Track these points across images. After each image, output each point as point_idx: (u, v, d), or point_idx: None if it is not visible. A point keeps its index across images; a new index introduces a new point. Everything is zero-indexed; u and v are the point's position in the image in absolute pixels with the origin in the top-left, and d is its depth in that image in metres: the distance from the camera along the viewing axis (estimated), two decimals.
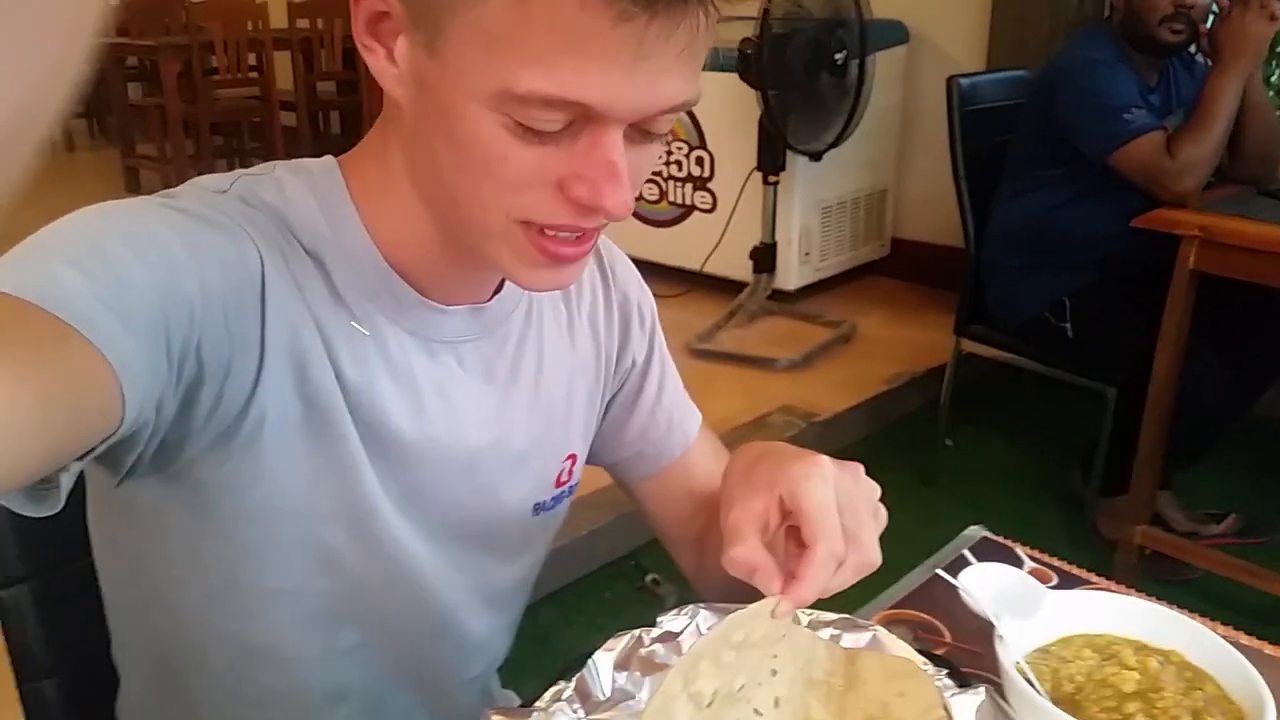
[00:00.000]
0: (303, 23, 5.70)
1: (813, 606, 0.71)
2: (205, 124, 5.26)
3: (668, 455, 0.92)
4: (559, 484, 0.85)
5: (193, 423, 0.62)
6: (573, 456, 0.86)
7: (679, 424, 0.92)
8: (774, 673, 0.64)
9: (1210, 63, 2.18)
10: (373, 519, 0.73)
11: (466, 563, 0.81)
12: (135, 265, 0.57)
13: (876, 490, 0.66)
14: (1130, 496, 2.21)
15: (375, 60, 0.63)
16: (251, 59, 5.37)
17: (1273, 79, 2.99)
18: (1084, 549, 2.40)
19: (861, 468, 0.65)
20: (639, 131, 0.62)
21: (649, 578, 2.23)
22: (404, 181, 0.68)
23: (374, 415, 0.71)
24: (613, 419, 0.91)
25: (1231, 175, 2.28)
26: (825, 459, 0.63)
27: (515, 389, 0.80)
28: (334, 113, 6.14)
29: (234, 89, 5.46)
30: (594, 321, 0.86)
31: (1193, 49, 2.33)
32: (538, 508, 0.84)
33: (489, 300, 0.77)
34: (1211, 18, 2.22)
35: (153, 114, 5.31)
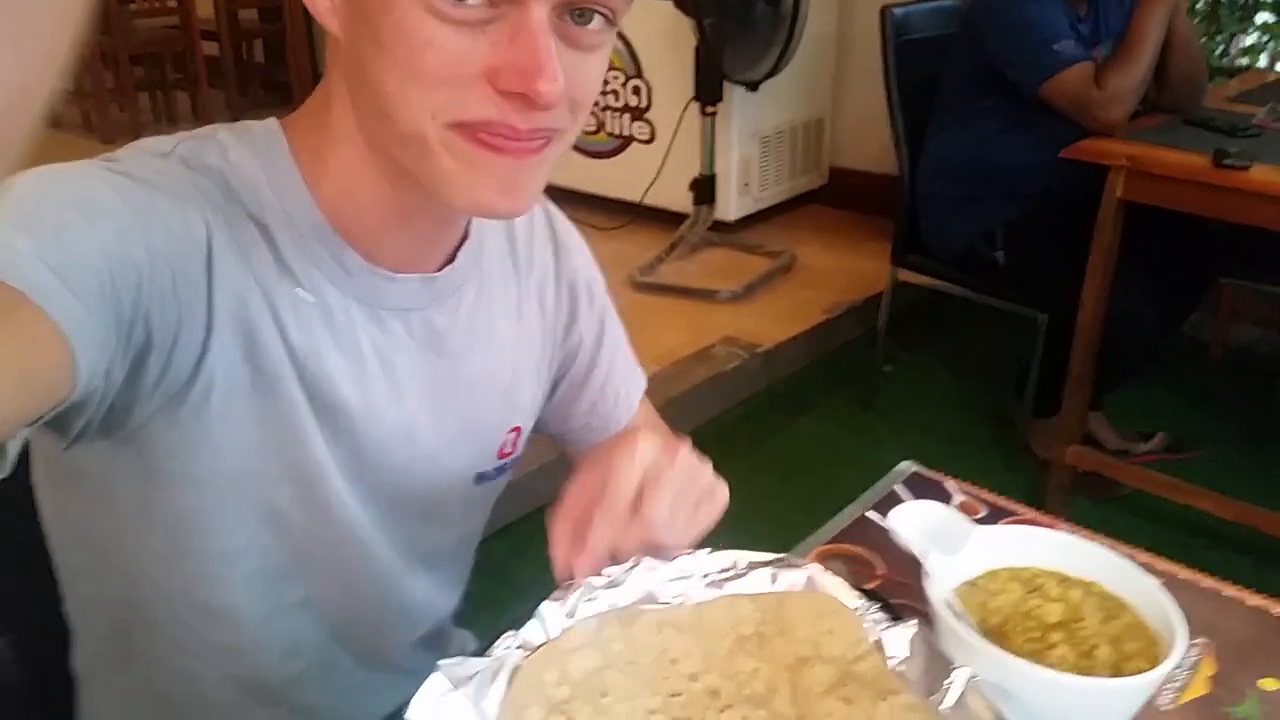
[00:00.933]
0: None
1: (753, 547, 0.74)
2: (124, 56, 5.07)
3: (614, 426, 0.94)
4: (502, 455, 0.86)
5: (141, 389, 0.62)
6: (517, 429, 0.87)
7: (624, 396, 0.94)
8: (674, 661, 0.67)
9: None
10: (320, 483, 0.73)
11: (407, 528, 0.81)
12: (84, 231, 0.56)
13: (700, 469, 0.68)
14: (1061, 418, 2.29)
15: None
16: None
17: (1197, 8, 3.03)
18: (1017, 469, 2.48)
19: (686, 448, 0.67)
20: (569, 27, 0.61)
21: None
22: (349, 130, 0.67)
23: (320, 382, 0.71)
24: (563, 395, 0.92)
25: (1158, 105, 2.31)
26: (648, 444, 0.64)
27: (462, 361, 0.80)
28: (258, 41, 5.94)
29: (152, 18, 5.26)
30: (542, 296, 0.87)
31: None
32: (480, 477, 0.85)
33: (440, 270, 0.76)
34: None
35: None
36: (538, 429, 0.93)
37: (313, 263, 0.69)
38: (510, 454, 0.87)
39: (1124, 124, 2.13)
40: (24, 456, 0.74)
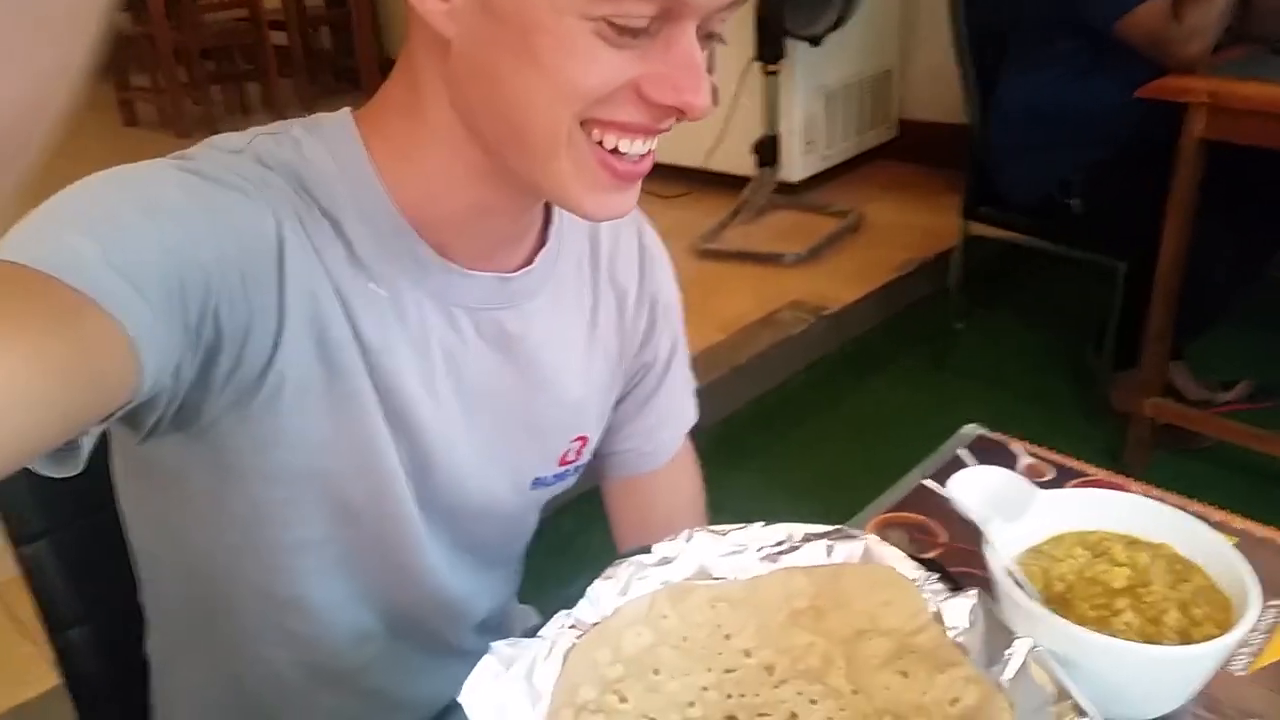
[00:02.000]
0: None
1: (824, 512, 0.73)
2: (195, 50, 5.17)
3: (658, 458, 0.94)
4: (564, 463, 0.86)
5: (212, 385, 0.63)
6: (583, 439, 0.86)
7: (674, 431, 0.95)
8: (727, 637, 0.66)
9: None
10: (387, 479, 0.74)
11: (460, 525, 0.81)
12: (150, 232, 0.57)
13: None
14: (1142, 369, 2.21)
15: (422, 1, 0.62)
16: None
17: None
18: (1098, 425, 2.41)
19: None
20: (701, 35, 0.63)
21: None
22: (446, 130, 0.67)
23: (391, 378, 0.71)
24: (623, 412, 0.92)
25: (1243, 34, 2.20)
26: None
27: (531, 365, 0.79)
28: (324, 28, 6.00)
29: (221, 12, 5.35)
30: (623, 306, 0.86)
31: None
32: (537, 482, 0.85)
33: (515, 272, 0.76)
34: None
35: (142, 43, 5.22)
36: None
37: (386, 257, 0.69)
38: (573, 462, 0.87)
39: (1206, 59, 2.04)
40: (103, 451, 0.76)
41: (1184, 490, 0.83)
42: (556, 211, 0.80)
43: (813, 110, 3.52)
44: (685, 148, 3.64)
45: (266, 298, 0.64)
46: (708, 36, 0.64)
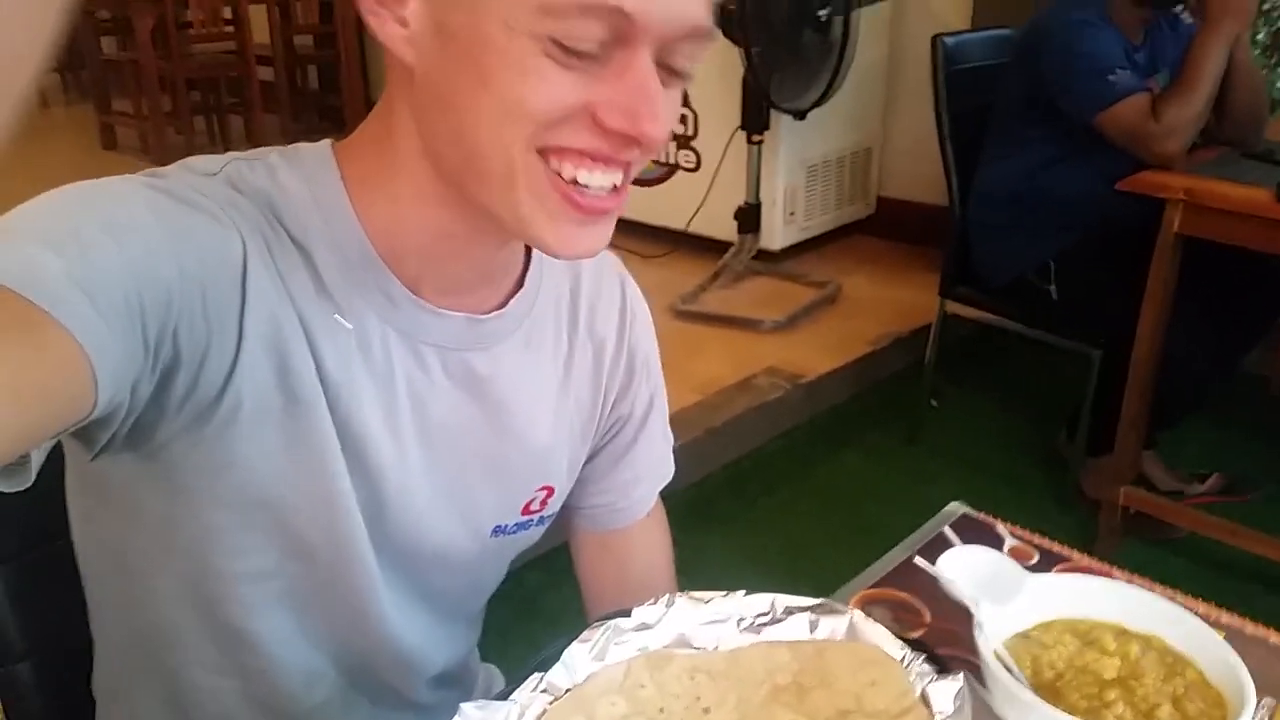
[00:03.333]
0: None
1: (793, 582, 0.71)
2: (181, 79, 5.17)
3: (630, 515, 0.92)
4: (526, 511, 0.83)
5: (167, 406, 0.62)
6: (549, 489, 0.84)
7: (649, 487, 0.93)
8: (706, 710, 0.64)
9: (1197, 23, 2.16)
10: (342, 517, 0.71)
11: (416, 570, 0.79)
12: (112, 248, 0.56)
13: None
14: (1115, 456, 2.22)
15: (381, 26, 0.62)
16: (227, 12, 5.26)
17: (1259, 39, 2.96)
18: (1069, 510, 2.42)
19: None
20: (663, 69, 0.61)
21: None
22: (414, 160, 0.66)
23: (351, 412, 0.69)
24: (596, 466, 0.90)
25: (1217, 137, 2.26)
26: None
27: (498, 410, 0.78)
28: (311, 67, 6.03)
29: (209, 43, 5.36)
30: (600, 360, 0.84)
31: (1179, 9, 2.30)
32: (497, 530, 0.82)
33: (488, 313, 0.75)
34: None
35: (127, 69, 5.22)
36: None
37: (355, 290, 0.68)
38: (538, 512, 0.84)
39: (1181, 157, 2.08)
40: (55, 479, 0.74)
41: (1154, 581, 0.82)
42: (537, 256, 0.79)
43: (794, 182, 3.56)
44: (668, 210, 3.67)
45: (227, 319, 0.62)
46: (672, 73, 0.62)
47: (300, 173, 0.68)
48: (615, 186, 0.64)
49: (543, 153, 0.61)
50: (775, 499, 2.54)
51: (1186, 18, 2.32)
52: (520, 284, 0.77)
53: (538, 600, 2.06)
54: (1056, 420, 2.66)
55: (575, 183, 0.62)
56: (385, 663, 0.82)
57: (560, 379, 0.82)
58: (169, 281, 0.58)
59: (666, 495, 0.96)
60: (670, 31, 0.59)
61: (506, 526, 0.83)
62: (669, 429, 0.94)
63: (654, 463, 0.92)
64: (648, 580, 0.93)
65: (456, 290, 0.72)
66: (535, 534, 0.86)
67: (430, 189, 0.67)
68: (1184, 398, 2.26)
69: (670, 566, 0.97)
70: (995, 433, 2.85)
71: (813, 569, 0.71)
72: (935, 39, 2.45)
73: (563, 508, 0.89)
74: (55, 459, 0.72)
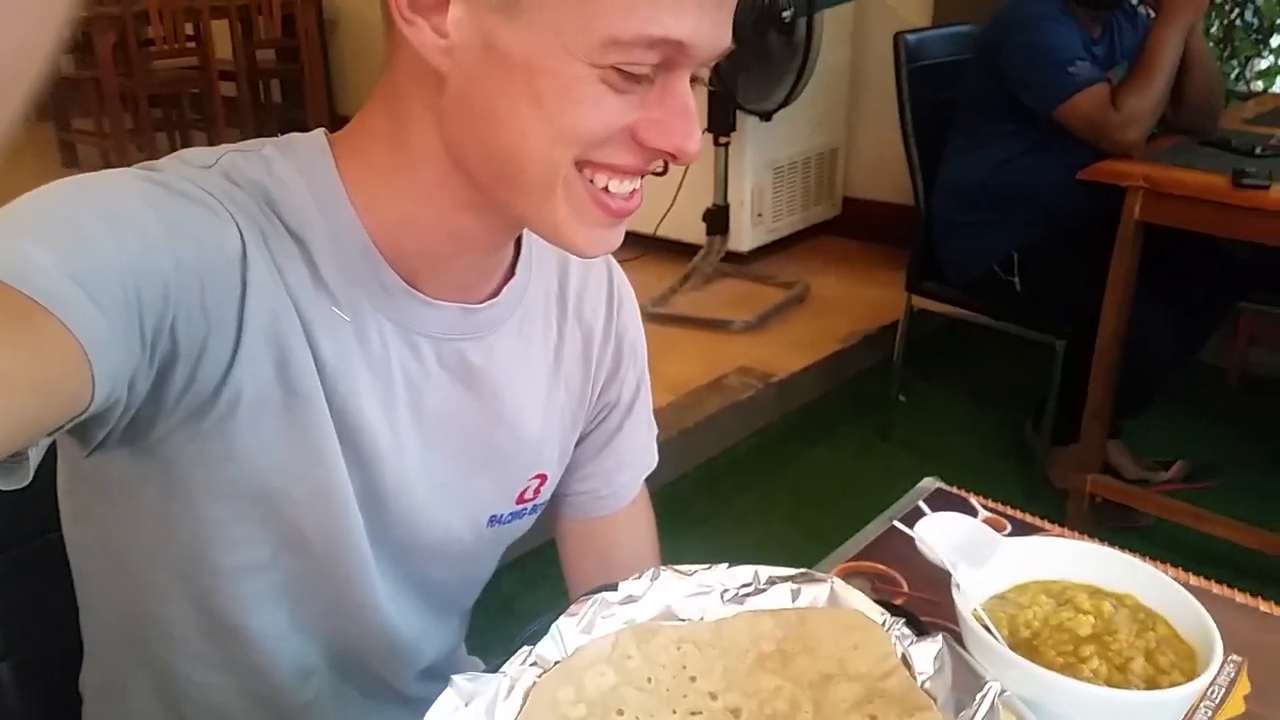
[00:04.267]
0: None
1: (766, 557, 0.72)
2: (143, 96, 5.12)
3: (615, 502, 0.93)
4: (520, 500, 0.84)
5: (165, 400, 0.62)
6: (542, 476, 0.85)
7: (634, 473, 0.94)
8: (693, 679, 0.65)
9: (1152, 14, 2.20)
10: (340, 509, 0.72)
11: (412, 561, 0.79)
12: (109, 241, 0.56)
13: None
14: (1080, 446, 2.26)
15: (417, 35, 0.62)
16: (189, 28, 5.23)
17: (1213, 30, 3.02)
18: (1037, 499, 2.45)
19: None
20: (691, 81, 0.64)
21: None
22: (427, 163, 0.67)
23: (348, 403, 0.70)
24: (584, 451, 0.90)
25: (1175, 126, 2.30)
26: None
27: (492, 398, 0.78)
28: (274, 81, 6.00)
29: (171, 59, 5.31)
30: (589, 347, 0.85)
31: (1136, 1, 2.35)
32: (493, 520, 0.83)
33: (481, 303, 0.75)
34: None
35: (88, 87, 5.16)
36: None
37: (351, 280, 0.69)
38: (531, 500, 0.85)
39: (1141, 145, 2.12)
40: (42, 475, 0.73)
41: None
42: (526, 245, 0.80)
43: (761, 183, 3.59)
44: (637, 214, 3.67)
45: (225, 311, 0.62)
46: (692, 80, 0.65)
47: (296, 164, 0.68)
48: (635, 189, 0.67)
49: (580, 165, 0.64)
50: (750, 497, 2.55)
51: (1143, 10, 2.37)
52: (511, 273, 0.78)
53: (514, 604, 2.06)
54: (1023, 411, 2.70)
55: (605, 190, 0.65)
56: (378, 655, 0.82)
57: (551, 366, 0.83)
58: (166, 274, 0.58)
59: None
60: (713, 57, 0.63)
61: (502, 516, 0.83)
62: (652, 418, 0.95)
63: (638, 450, 0.93)
64: (633, 567, 0.94)
65: (454, 285, 0.73)
66: (527, 524, 0.87)
67: (445, 190, 0.68)
68: (1147, 385, 2.30)
69: (656, 554, 0.98)
70: (964, 425, 2.88)
71: (788, 562, 0.72)
72: (897, 36, 2.49)
73: (559, 496, 0.90)
74: (48, 459, 0.72)
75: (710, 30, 0.61)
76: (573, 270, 0.84)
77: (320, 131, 0.71)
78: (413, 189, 0.68)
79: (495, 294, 0.77)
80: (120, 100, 5.00)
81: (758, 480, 2.62)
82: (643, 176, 0.67)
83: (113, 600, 0.78)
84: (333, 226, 0.68)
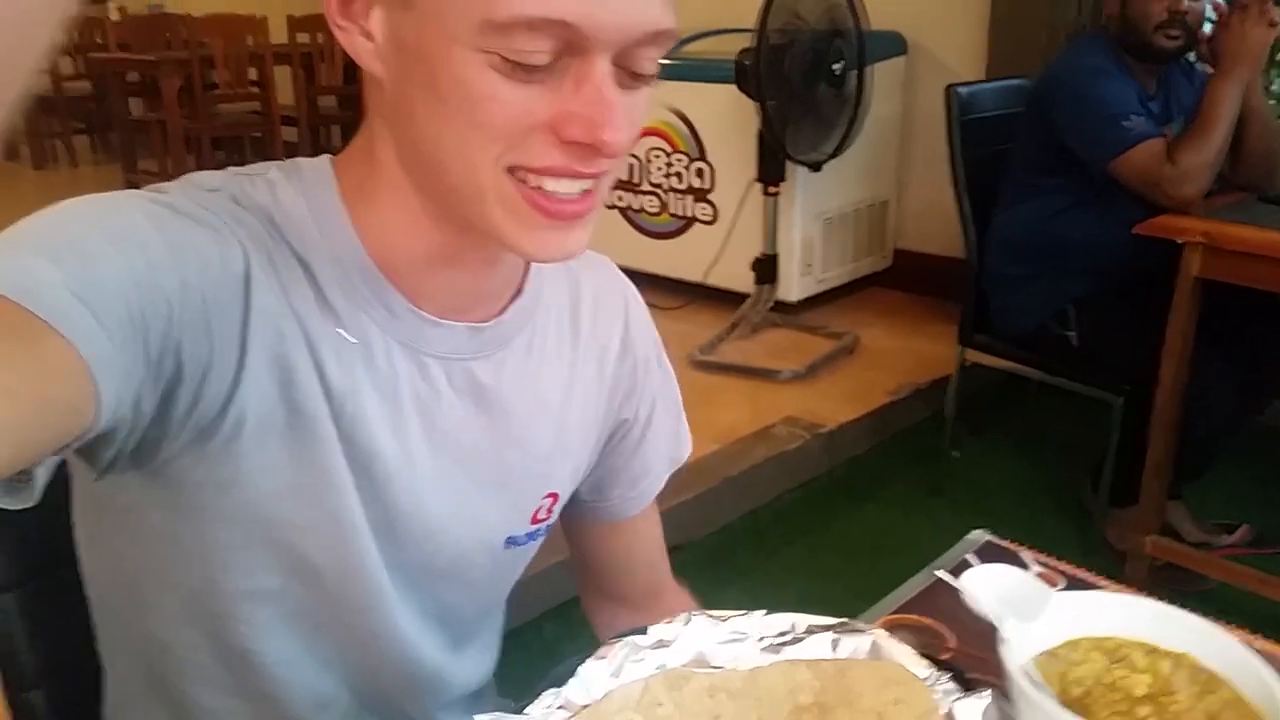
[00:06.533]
0: (303, 37, 5.73)
1: (810, 612, 0.70)
2: (206, 139, 5.27)
3: (641, 502, 0.92)
4: (535, 520, 0.83)
5: (171, 421, 0.61)
6: (554, 496, 0.84)
7: (657, 473, 0.92)
8: None
9: (1210, 70, 2.17)
10: (351, 535, 0.71)
11: (429, 588, 0.78)
12: (114, 260, 0.56)
13: None
14: (1140, 506, 2.19)
15: (350, 39, 0.62)
16: (252, 74, 5.39)
17: (1273, 86, 2.98)
18: (1093, 561, 2.34)
19: None
20: (625, 73, 0.61)
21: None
22: (394, 172, 0.67)
23: (356, 425, 0.69)
24: (609, 465, 0.89)
25: (1233, 182, 2.26)
26: None
27: (503, 418, 0.77)
28: (335, 127, 6.14)
29: (235, 104, 5.48)
30: (603, 366, 0.84)
31: (1192, 56, 2.32)
32: (510, 541, 0.82)
33: (489, 321, 0.75)
34: (1209, 24, 2.21)
35: (154, 129, 5.32)
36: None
37: (356, 303, 0.68)
38: (544, 520, 0.84)
39: (1198, 201, 2.08)
40: (64, 500, 0.74)
41: None
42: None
43: (811, 233, 3.58)
44: (685, 263, 3.69)
45: (229, 332, 0.62)
46: (634, 76, 0.61)
47: (299, 187, 0.68)
48: (586, 190, 0.63)
49: (518, 172, 0.61)
50: (795, 549, 2.50)
51: (1200, 66, 2.34)
52: (519, 291, 0.77)
53: (555, 651, 2.03)
54: (1080, 469, 2.63)
55: (540, 190, 0.62)
56: (399, 687, 0.80)
57: (564, 384, 0.81)
58: (170, 294, 0.58)
59: (684, 545, 0.96)
60: (626, 39, 0.59)
61: (519, 537, 0.82)
62: (681, 414, 0.93)
63: (660, 455, 0.92)
64: (651, 556, 0.96)
65: (457, 303, 0.72)
66: (537, 545, 0.86)
67: (415, 202, 0.67)
68: (1208, 445, 2.23)
69: (662, 546, 0.98)
70: (1017, 483, 2.81)
71: (828, 611, 0.70)
72: (949, 89, 2.48)
73: (571, 503, 0.89)
74: (67, 483, 0.72)
75: (611, 7, 0.57)
76: (585, 290, 0.83)
77: (325, 156, 0.71)
78: (386, 205, 0.68)
79: (503, 312, 0.76)
80: (185, 142, 5.15)
81: (803, 533, 2.57)
82: (590, 179, 0.63)
83: (126, 626, 0.78)
84: (334, 249, 0.67)
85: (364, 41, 0.62)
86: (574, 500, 0.89)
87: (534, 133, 0.60)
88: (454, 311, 0.72)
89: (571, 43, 0.57)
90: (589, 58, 0.58)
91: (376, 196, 0.68)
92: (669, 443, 0.92)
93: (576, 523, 0.93)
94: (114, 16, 7.28)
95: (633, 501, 0.91)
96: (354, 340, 0.68)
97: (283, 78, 5.49)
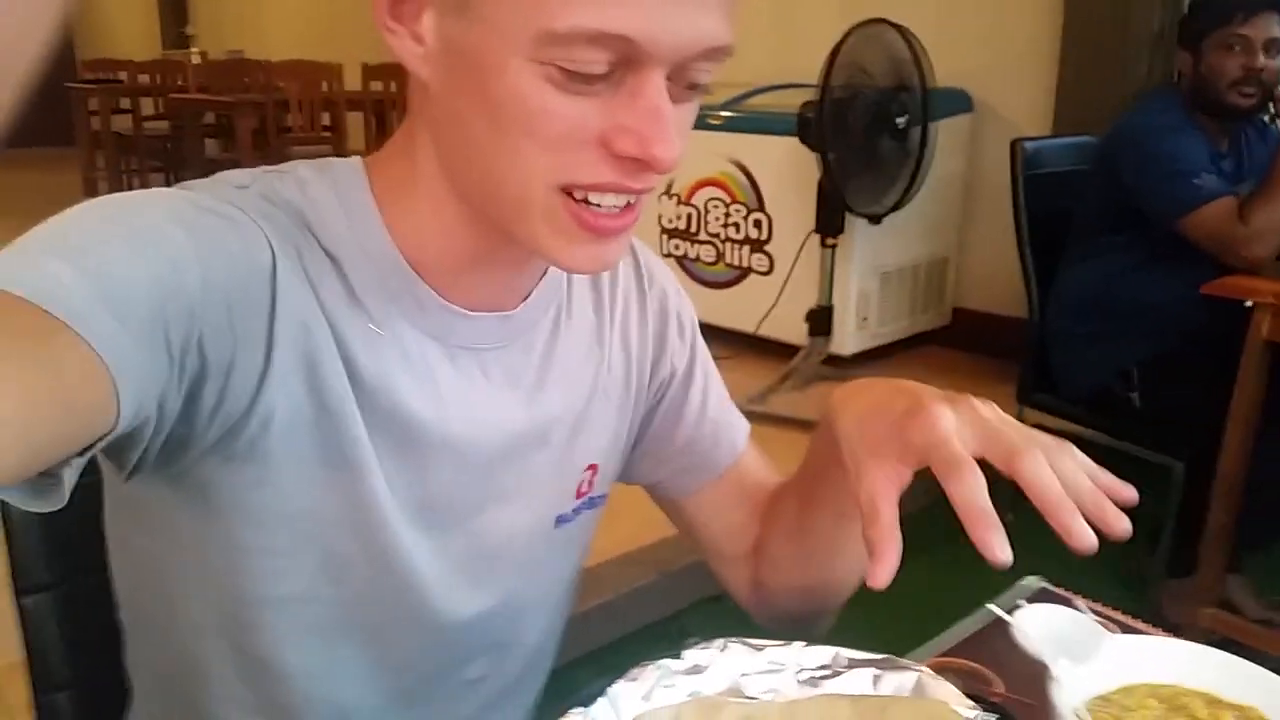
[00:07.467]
0: (375, 85, 5.87)
1: (856, 647, 0.67)
2: None
3: (716, 468, 0.89)
4: (579, 495, 0.82)
5: (197, 419, 0.61)
6: (593, 467, 0.83)
7: (726, 435, 0.89)
8: None
9: None
10: (382, 529, 0.70)
11: (480, 578, 0.77)
12: (134, 259, 0.55)
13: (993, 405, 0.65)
14: (1198, 578, 2.11)
15: (399, 43, 0.62)
16: (325, 118, 5.53)
17: None
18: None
19: (970, 398, 0.65)
20: (679, 86, 0.60)
21: (690, 641, 2.17)
22: (432, 175, 0.67)
23: (393, 410, 0.68)
24: (656, 433, 0.88)
25: None
26: (935, 403, 0.66)
27: (539, 395, 0.77)
28: None
29: (307, 146, 5.62)
30: (626, 331, 0.84)
31: (1267, 116, 2.28)
32: (560, 520, 0.81)
33: (516, 308, 0.75)
34: None
35: (228, 169, 5.46)
36: (634, 479, 0.89)
37: (387, 298, 0.68)
38: (587, 493, 0.83)
39: (1270, 261, 2.03)
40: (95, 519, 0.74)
41: None
42: None
43: (868, 287, 3.55)
44: (739, 313, 3.68)
45: (255, 327, 0.62)
46: (690, 88, 0.61)
47: (330, 184, 0.68)
48: (629, 204, 0.63)
49: (567, 191, 0.61)
50: (841, 607, 2.45)
51: (1275, 125, 2.30)
52: (544, 272, 0.77)
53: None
54: (1138, 536, 2.54)
55: (586, 202, 0.62)
56: (433, 694, 0.79)
57: (596, 353, 0.81)
58: (192, 290, 0.57)
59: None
60: (684, 54, 0.58)
61: (566, 514, 0.81)
62: (724, 390, 0.91)
63: (718, 410, 0.89)
64: (768, 485, 0.90)
65: (488, 295, 0.72)
66: (591, 525, 0.85)
67: (450, 205, 0.67)
68: (1273, 515, 2.15)
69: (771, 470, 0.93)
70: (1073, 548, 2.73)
71: (871, 647, 0.67)
72: (1015, 143, 2.46)
73: (653, 485, 0.89)
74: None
75: (671, 24, 0.56)
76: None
77: (358, 156, 0.72)
78: (421, 205, 0.68)
79: (529, 296, 0.76)
80: None
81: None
82: (636, 194, 0.63)
83: (153, 635, 0.77)
84: (364, 244, 0.67)
85: (413, 45, 0.62)
86: (654, 485, 0.88)
87: (585, 147, 0.60)
88: (484, 304, 0.72)
89: (629, 56, 0.57)
90: (644, 72, 0.58)
91: (411, 197, 0.68)
92: (721, 402, 0.90)
93: (671, 507, 0.91)
94: (195, 60, 7.54)
95: (696, 472, 0.88)
96: (384, 334, 0.68)
97: (355, 123, 5.63)
